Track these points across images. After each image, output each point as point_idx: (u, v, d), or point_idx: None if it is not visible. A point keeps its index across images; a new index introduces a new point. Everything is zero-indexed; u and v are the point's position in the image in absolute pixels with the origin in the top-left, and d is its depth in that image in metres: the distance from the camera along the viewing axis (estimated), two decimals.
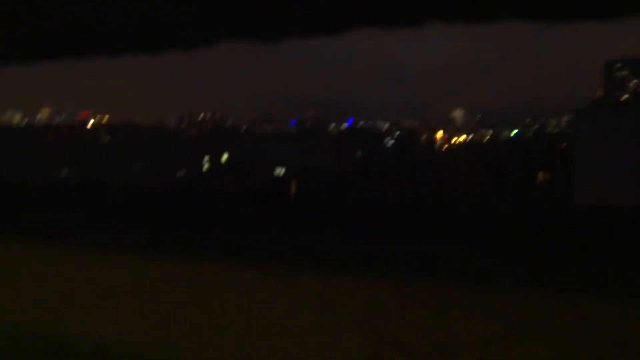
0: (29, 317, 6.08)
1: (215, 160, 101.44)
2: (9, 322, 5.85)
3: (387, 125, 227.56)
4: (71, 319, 6.20)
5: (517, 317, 6.33)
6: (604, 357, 5.29)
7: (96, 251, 10.35)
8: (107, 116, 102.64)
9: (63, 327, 5.68)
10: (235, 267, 9.14)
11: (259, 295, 7.47)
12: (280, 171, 78.89)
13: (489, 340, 5.49)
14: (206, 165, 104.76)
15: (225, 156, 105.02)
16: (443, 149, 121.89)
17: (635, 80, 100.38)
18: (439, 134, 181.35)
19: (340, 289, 7.78)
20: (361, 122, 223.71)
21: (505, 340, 5.58)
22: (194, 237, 13.06)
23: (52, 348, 5.03)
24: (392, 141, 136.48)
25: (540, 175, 43.34)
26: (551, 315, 6.32)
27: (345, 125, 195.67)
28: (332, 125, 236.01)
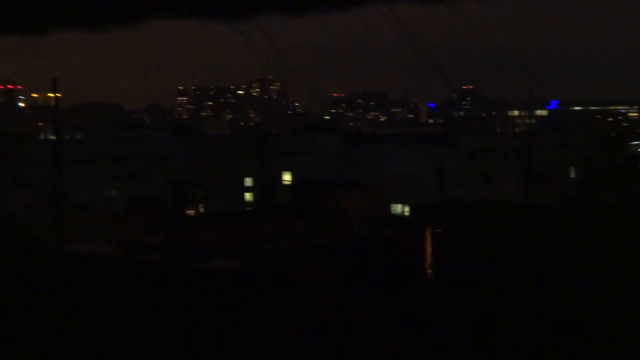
0: None
1: (268, 181, 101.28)
2: None
3: (635, 111, 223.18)
4: None
5: None
6: None
7: None
8: (53, 94, 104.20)
9: None
10: None
11: None
12: (402, 208, 76.12)
13: None
14: (248, 195, 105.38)
15: (288, 175, 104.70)
16: None
17: None
18: None
19: None
20: (576, 107, 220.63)
21: None
22: None
23: None
24: None
25: None
26: None
27: (542, 112, 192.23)
28: (514, 112, 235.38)
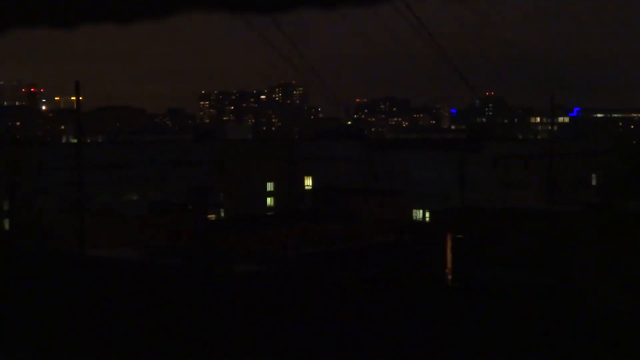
0: None
1: (291, 186, 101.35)
2: None
3: None
4: None
5: None
6: None
7: None
8: (75, 98, 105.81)
9: None
10: None
11: None
12: (424, 214, 76.14)
13: None
14: (270, 199, 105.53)
15: (309, 181, 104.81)
16: None
17: None
18: None
19: None
20: (598, 114, 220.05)
21: None
22: None
23: None
24: None
25: None
26: None
27: (564, 119, 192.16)
28: (536, 119, 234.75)
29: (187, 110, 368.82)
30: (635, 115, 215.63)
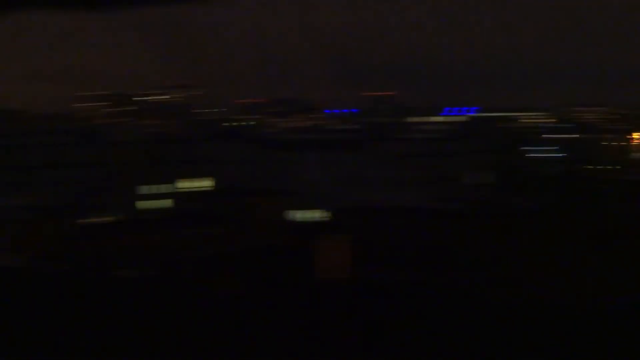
0: None
1: (169, 188, 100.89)
2: None
3: (544, 117, 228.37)
4: None
5: None
6: None
7: None
8: None
9: None
10: None
11: None
12: (310, 214, 76.22)
13: None
14: (144, 202, 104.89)
15: (203, 182, 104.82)
16: None
17: None
18: (637, 135, 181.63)
19: None
20: (491, 113, 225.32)
21: None
22: None
23: None
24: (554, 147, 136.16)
25: None
26: None
27: (461, 117, 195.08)
28: (430, 118, 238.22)
29: (71, 111, 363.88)
30: (511, 113, 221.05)
